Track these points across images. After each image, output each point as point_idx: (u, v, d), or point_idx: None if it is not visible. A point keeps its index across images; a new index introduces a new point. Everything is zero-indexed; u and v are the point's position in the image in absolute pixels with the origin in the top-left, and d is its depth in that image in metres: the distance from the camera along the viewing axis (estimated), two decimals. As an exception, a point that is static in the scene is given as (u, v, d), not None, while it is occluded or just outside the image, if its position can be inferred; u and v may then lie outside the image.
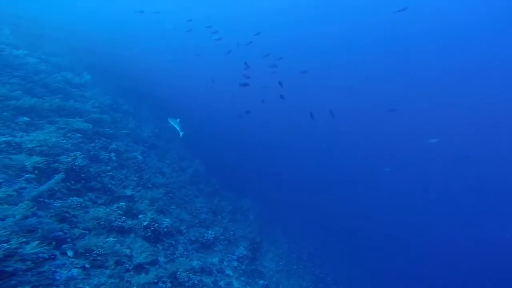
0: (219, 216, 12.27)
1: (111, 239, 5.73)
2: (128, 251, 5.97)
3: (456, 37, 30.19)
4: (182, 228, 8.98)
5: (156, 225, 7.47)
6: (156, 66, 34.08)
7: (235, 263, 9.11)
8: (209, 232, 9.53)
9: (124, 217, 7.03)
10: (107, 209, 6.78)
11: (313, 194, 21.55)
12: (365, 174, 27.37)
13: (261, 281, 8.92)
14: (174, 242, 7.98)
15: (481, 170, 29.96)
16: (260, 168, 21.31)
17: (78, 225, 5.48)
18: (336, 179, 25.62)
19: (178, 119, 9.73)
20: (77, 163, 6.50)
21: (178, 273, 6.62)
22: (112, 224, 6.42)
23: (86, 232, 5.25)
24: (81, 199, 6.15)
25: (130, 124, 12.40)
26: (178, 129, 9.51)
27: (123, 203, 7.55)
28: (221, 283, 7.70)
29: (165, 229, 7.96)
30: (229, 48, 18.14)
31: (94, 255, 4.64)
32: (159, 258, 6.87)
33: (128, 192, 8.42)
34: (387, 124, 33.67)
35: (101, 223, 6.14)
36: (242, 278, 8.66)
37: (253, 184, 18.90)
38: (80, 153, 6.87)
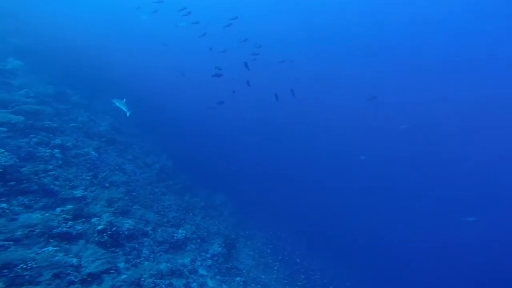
0: (191, 213, 11.48)
1: (50, 248, 4.70)
2: (75, 261, 5.00)
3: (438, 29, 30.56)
4: (147, 229, 8.06)
5: (114, 228, 6.49)
6: (118, 54, 30.61)
7: (209, 262, 8.54)
8: (179, 231, 8.76)
9: (71, 222, 5.94)
10: (47, 214, 5.63)
11: (291, 186, 21.64)
12: (341, 164, 28.24)
13: (238, 278, 8.51)
14: (137, 245, 7.08)
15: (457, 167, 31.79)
16: (234, 161, 20.69)
17: (-2, 236, 4.35)
18: (313, 170, 26.12)
19: (124, 100, 8.92)
20: (-1, 160, 5.19)
21: (142, 279, 5.83)
22: (53, 231, 5.34)
23: (10, 243, 4.16)
24: (4, 205, 4.93)
25: (82, 116, 10.73)
26: (124, 109, 8.89)
27: (71, 206, 6.40)
28: (194, 284, 7.08)
29: (126, 232, 7.00)
30: (203, 32, 16.49)
31: (18, 270, 3.65)
32: (119, 265, 5.97)
33: (79, 193, 7.20)
34: (361, 115, 35.01)
35: (36, 231, 5.03)
36: (218, 277, 8.14)
37: (227, 178, 18.27)
38: (3, 150, 5.53)
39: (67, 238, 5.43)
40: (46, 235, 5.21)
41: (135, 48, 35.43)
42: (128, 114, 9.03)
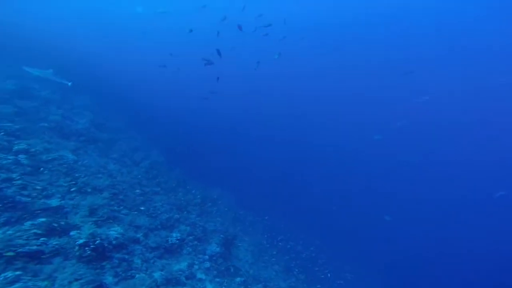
0: (185, 212, 10.88)
1: (8, 274, 4.00)
2: (43, 285, 4.32)
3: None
4: (138, 236, 7.42)
5: (98, 241, 5.78)
6: (93, 46, 28.20)
7: (207, 264, 8.07)
8: (174, 234, 8.18)
9: (43, 238, 5.19)
10: (10, 231, 4.86)
11: (289, 175, 21.22)
12: (336, 153, 27.65)
13: (238, 279, 8.12)
14: (127, 256, 6.45)
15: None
16: (229, 152, 19.95)
17: None
18: (309, 159, 25.65)
19: (51, 70, 7.94)
20: None
21: (133, 296, 5.26)
22: (19, 250, 4.60)
23: None
24: None
25: (54, 115, 9.61)
26: (56, 79, 8.04)
27: (43, 219, 5.61)
28: (192, 291, 6.59)
29: (114, 242, 6.35)
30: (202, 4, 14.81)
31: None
32: (106, 281, 5.36)
33: (54, 202, 6.39)
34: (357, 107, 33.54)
35: None
36: (217, 280, 7.71)
37: (222, 170, 17.62)
38: None
39: (38, 257, 4.70)
40: (9, 256, 4.48)
41: (111, 39, 32.64)
42: (69, 85, 8.07)
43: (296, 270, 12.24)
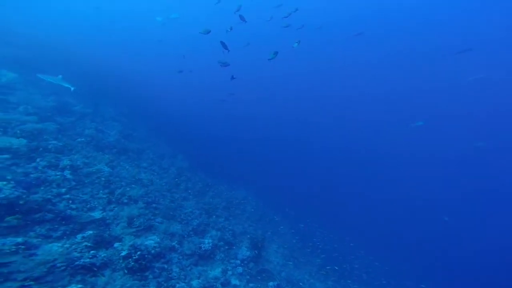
0: (214, 216, 11.06)
1: (73, 286, 4.28)
2: (102, 299, 4.58)
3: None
4: (174, 243, 7.66)
5: (138, 252, 6.05)
6: (115, 59, 29.77)
7: (240, 269, 8.12)
8: (206, 241, 8.32)
9: (93, 251, 5.52)
10: (67, 244, 5.22)
11: (310, 173, 20.89)
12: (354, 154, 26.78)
13: (271, 283, 8.08)
14: (166, 265, 6.68)
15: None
16: (250, 154, 20.03)
17: (11, 276, 3.93)
18: (329, 160, 25.05)
19: (60, 76, 8.41)
20: (2, 195, 4.73)
21: (176, 305, 5.42)
22: (76, 263, 4.93)
23: (31, 283, 3.76)
24: (19, 239, 4.52)
25: (89, 129, 10.24)
26: (65, 85, 8.52)
27: (91, 231, 5.98)
28: (229, 299, 6.66)
29: (153, 252, 6.60)
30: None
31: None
32: (150, 291, 5.59)
33: (97, 214, 6.79)
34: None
35: (58, 265, 4.63)
36: (251, 285, 7.73)
37: (245, 171, 17.73)
38: (5, 182, 5.05)
39: (92, 269, 5.01)
40: (69, 269, 4.82)
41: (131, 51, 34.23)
42: (72, 90, 8.65)
43: (331, 270, 11.90)
